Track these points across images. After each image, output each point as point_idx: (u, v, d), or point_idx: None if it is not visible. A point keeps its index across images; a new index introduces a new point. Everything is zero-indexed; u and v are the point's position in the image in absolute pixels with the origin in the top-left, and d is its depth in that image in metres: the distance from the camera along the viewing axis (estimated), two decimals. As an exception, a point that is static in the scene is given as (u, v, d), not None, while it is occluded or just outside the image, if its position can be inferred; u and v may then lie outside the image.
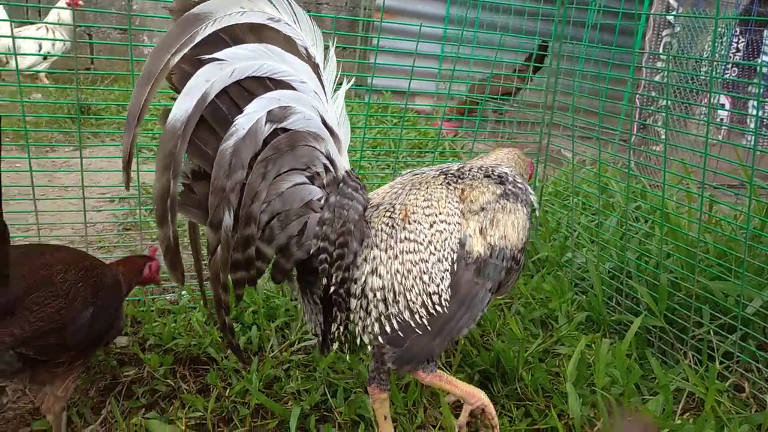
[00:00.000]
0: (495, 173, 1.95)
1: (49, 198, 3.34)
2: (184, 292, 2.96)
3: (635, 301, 2.91)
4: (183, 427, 2.13)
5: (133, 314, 2.73)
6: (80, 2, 6.62)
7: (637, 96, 5.52)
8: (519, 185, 1.95)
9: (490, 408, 1.87)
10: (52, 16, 6.87)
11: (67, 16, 6.77)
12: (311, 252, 1.68)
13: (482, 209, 1.82)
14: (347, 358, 2.43)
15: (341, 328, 1.78)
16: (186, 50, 1.39)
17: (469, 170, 1.96)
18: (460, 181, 1.90)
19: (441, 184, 1.88)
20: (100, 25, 7.85)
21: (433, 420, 2.28)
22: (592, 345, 2.60)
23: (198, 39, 1.40)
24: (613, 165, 4.31)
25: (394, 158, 3.55)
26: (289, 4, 1.59)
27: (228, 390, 2.33)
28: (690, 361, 2.60)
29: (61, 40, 6.76)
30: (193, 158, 1.51)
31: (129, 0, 2.85)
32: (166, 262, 1.48)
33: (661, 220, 2.80)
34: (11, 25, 3.06)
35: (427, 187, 1.86)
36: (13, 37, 2.85)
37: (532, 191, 2.00)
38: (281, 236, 1.64)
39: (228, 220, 1.51)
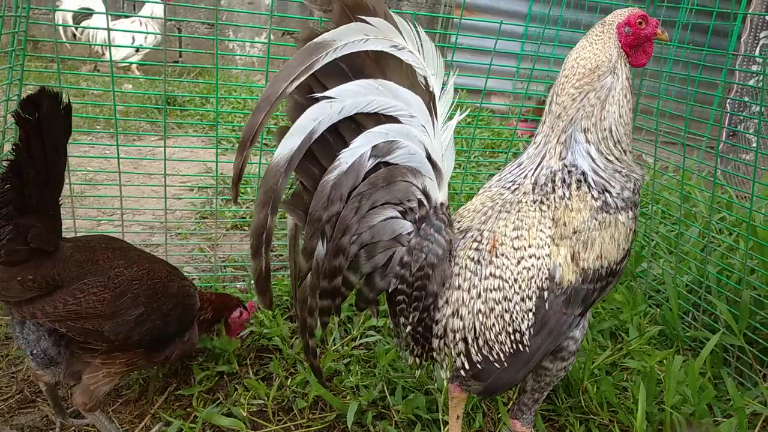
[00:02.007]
0: (593, 175, 1.69)
1: (133, 184, 3.51)
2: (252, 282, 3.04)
3: (713, 317, 2.76)
4: (245, 413, 2.20)
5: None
6: (172, -3, 6.91)
7: (728, 101, 5.23)
8: (626, 183, 1.69)
9: None
10: (146, 10, 7.21)
11: (159, 10, 7.09)
12: (389, 290, 1.69)
13: (575, 232, 1.65)
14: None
15: (419, 360, 1.78)
16: (303, 79, 1.40)
17: (562, 174, 1.70)
18: (552, 194, 1.69)
19: (534, 202, 1.71)
20: (189, 20, 8.18)
21: (490, 425, 2.25)
22: (664, 361, 2.49)
23: (316, 67, 1.41)
24: (697, 173, 4.11)
25: (465, 158, 3.51)
26: (417, 31, 1.56)
27: (290, 380, 2.38)
28: (770, 384, 2.44)
29: (152, 33, 7.09)
30: (299, 176, 1.52)
31: (215, -4, 2.95)
32: (255, 289, 1.53)
33: (747, 234, 2.65)
34: (107, 18, 3.23)
35: (518, 210, 1.71)
36: (109, 30, 3.02)
37: (635, 168, 1.73)
38: (366, 266, 1.64)
39: (321, 249, 1.54)
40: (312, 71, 1.41)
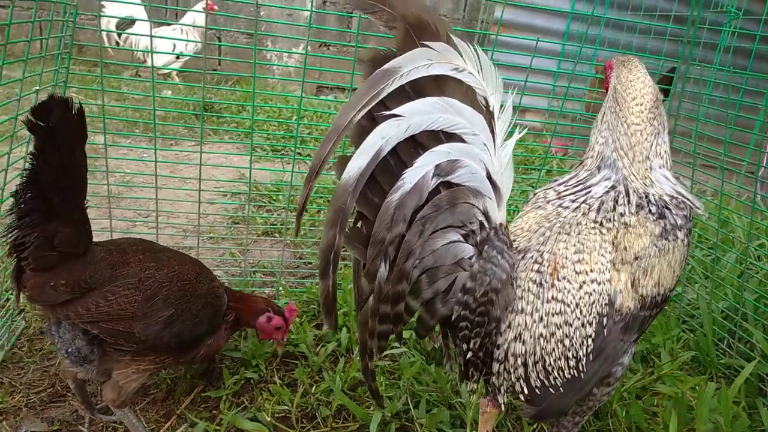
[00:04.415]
0: (652, 201, 1.68)
1: (169, 188, 3.57)
2: (281, 288, 3.06)
3: (749, 345, 2.68)
4: (269, 418, 2.21)
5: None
6: (215, 6, 7.05)
7: (771, 125, 5.10)
8: (681, 209, 1.69)
9: None
10: (188, 18, 7.37)
11: (201, 19, 7.23)
12: (452, 317, 1.66)
13: (636, 258, 1.63)
14: (433, 371, 2.43)
15: (475, 385, 1.76)
16: (371, 107, 1.41)
17: (621, 199, 1.70)
18: (613, 219, 1.68)
19: (593, 228, 1.69)
20: (229, 29, 8.33)
21: (515, 444, 2.21)
22: (696, 387, 2.42)
23: (383, 95, 1.41)
24: (736, 198, 4.02)
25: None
26: (476, 53, 1.56)
27: (314, 387, 2.38)
28: (809, 418, 2.35)
29: (193, 41, 7.23)
30: (360, 207, 1.51)
31: (257, 6, 2.99)
32: (322, 309, 1.52)
33: (787, 262, 2.58)
34: (150, 26, 3.31)
35: (578, 233, 1.69)
36: (151, 37, 3.09)
37: (693, 201, 1.73)
38: (428, 291, 1.62)
39: (383, 271, 1.52)
40: (379, 99, 1.41)
